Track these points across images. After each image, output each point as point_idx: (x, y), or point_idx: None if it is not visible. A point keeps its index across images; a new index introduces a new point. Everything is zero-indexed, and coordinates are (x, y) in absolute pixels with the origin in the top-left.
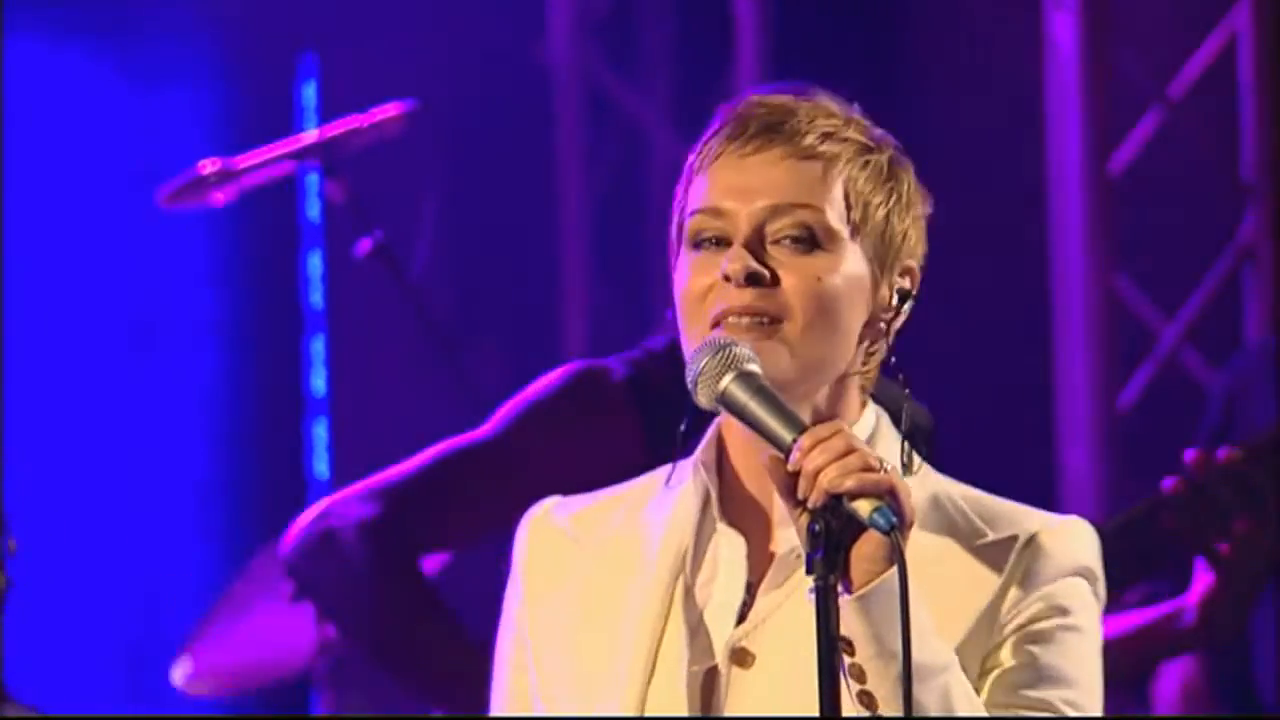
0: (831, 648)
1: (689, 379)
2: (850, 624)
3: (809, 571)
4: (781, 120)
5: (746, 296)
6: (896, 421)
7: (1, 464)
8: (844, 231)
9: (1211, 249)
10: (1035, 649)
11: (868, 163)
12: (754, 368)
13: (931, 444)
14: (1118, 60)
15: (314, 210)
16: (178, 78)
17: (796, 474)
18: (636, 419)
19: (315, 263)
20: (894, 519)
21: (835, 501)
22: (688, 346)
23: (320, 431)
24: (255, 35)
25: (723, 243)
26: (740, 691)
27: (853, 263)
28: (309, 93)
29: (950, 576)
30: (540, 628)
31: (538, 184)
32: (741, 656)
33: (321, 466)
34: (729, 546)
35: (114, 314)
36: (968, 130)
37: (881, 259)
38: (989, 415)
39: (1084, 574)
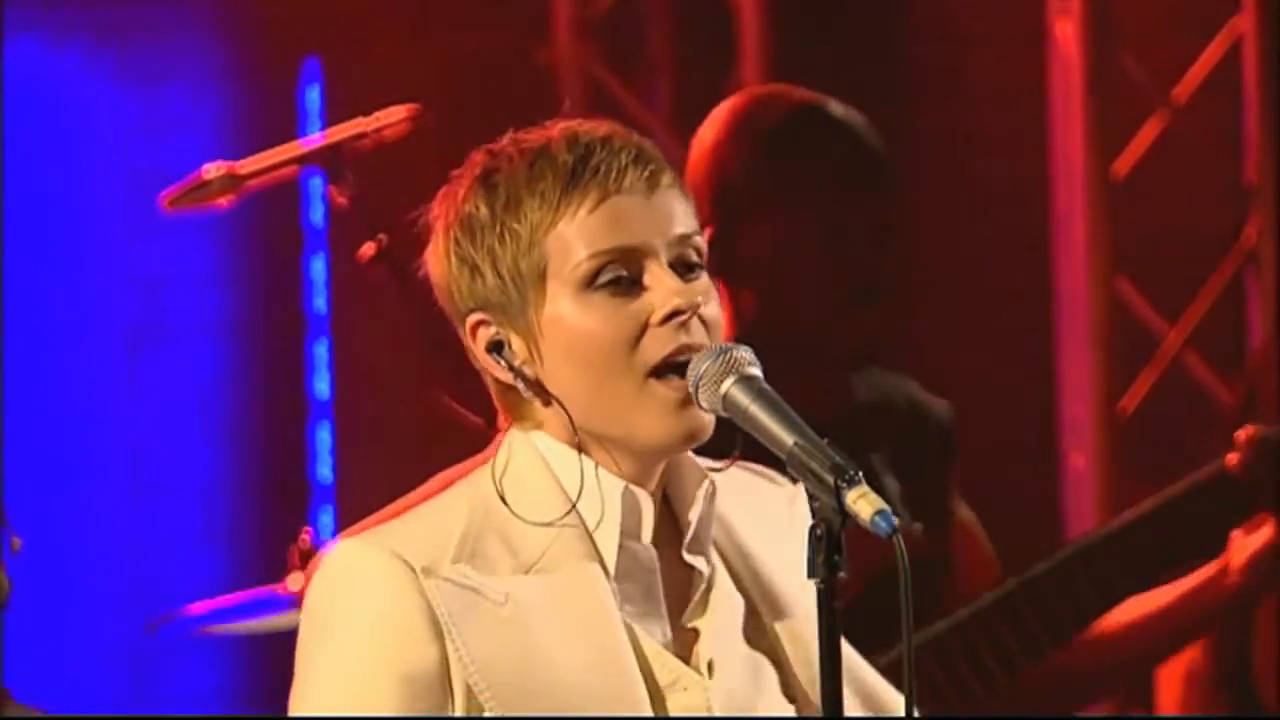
0: (833, 649)
1: (690, 384)
2: None
3: (811, 575)
4: (643, 154)
5: (695, 332)
6: (898, 416)
7: (2, 466)
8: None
9: (1215, 253)
10: None
11: (685, 187)
12: (755, 371)
13: (953, 438)
14: (1121, 64)
15: (317, 214)
16: (181, 81)
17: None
18: None
19: (319, 267)
20: (895, 520)
21: (838, 504)
22: (587, 396)
23: (323, 435)
24: (258, 39)
25: (627, 283)
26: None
27: None
28: (312, 96)
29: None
30: (490, 681)
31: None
32: (711, 667)
33: (325, 470)
34: (651, 567)
35: (117, 317)
36: (971, 133)
37: None
38: (992, 418)
39: None
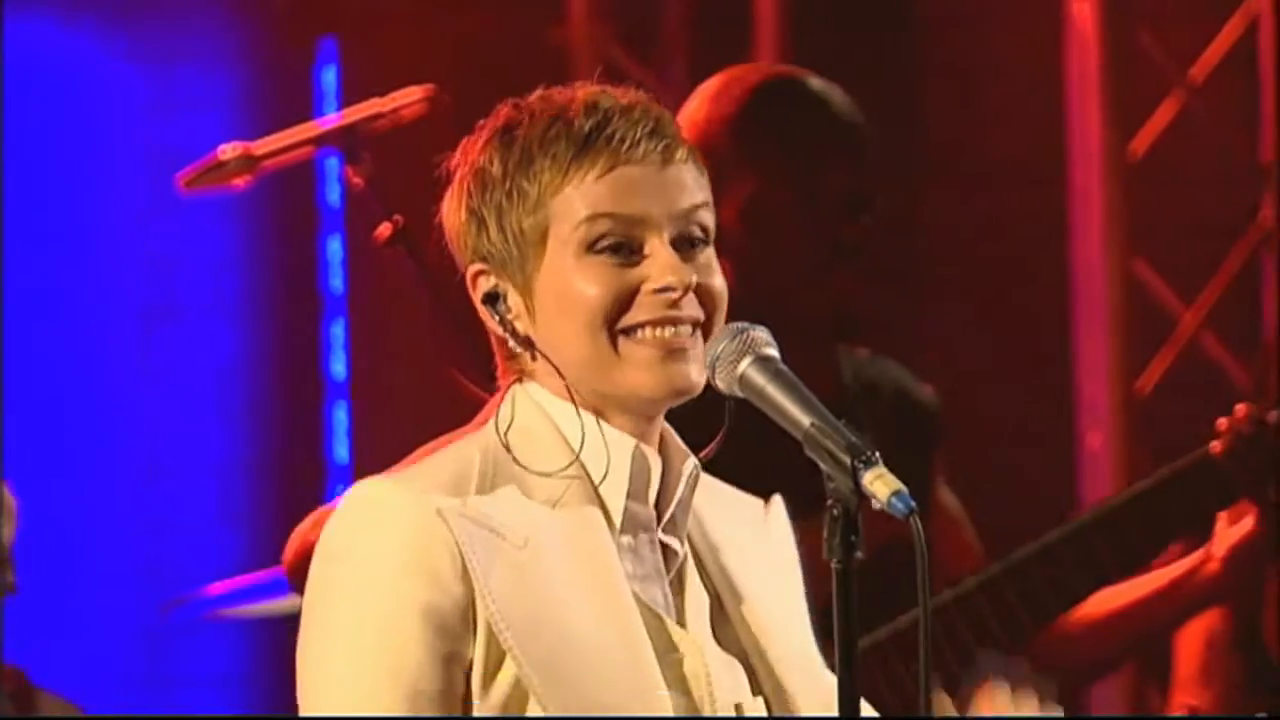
0: (850, 630)
1: (707, 364)
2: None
3: (828, 556)
4: (660, 127)
5: (686, 306)
6: (884, 399)
7: (11, 444)
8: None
9: (1231, 233)
10: None
11: (700, 161)
12: (772, 351)
13: (938, 424)
14: (1138, 44)
15: (334, 195)
16: (197, 61)
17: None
18: None
19: (335, 247)
20: (912, 502)
21: (854, 486)
22: (575, 352)
23: (340, 415)
24: (274, 19)
25: (624, 249)
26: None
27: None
28: (329, 77)
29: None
30: (510, 621)
31: None
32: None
33: (341, 450)
34: (650, 529)
35: (134, 298)
36: (988, 113)
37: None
38: (1010, 399)
39: None
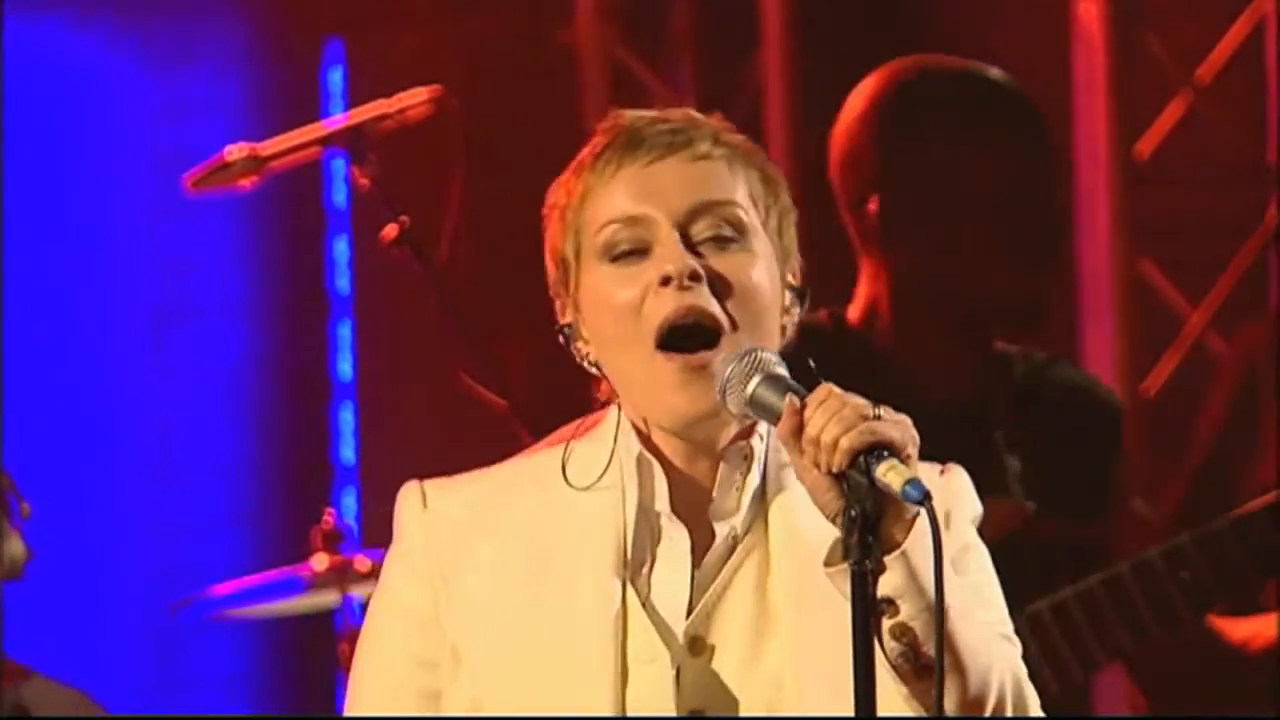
0: (867, 632)
1: (716, 388)
2: (895, 582)
3: (845, 557)
4: (673, 130)
5: (688, 298)
6: (1046, 401)
7: (17, 445)
8: (756, 226)
9: (1238, 234)
10: (962, 578)
11: (753, 164)
12: (781, 370)
13: (1118, 427)
14: (1145, 45)
15: (340, 196)
16: (204, 63)
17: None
18: None
19: (341, 248)
20: (925, 489)
21: (868, 480)
22: (624, 371)
23: (347, 416)
24: (281, 21)
25: (639, 253)
26: (696, 679)
27: (765, 258)
28: (335, 78)
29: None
30: (463, 623)
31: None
32: (698, 646)
33: (348, 451)
34: (671, 538)
35: (141, 299)
36: None
37: (778, 257)
38: None
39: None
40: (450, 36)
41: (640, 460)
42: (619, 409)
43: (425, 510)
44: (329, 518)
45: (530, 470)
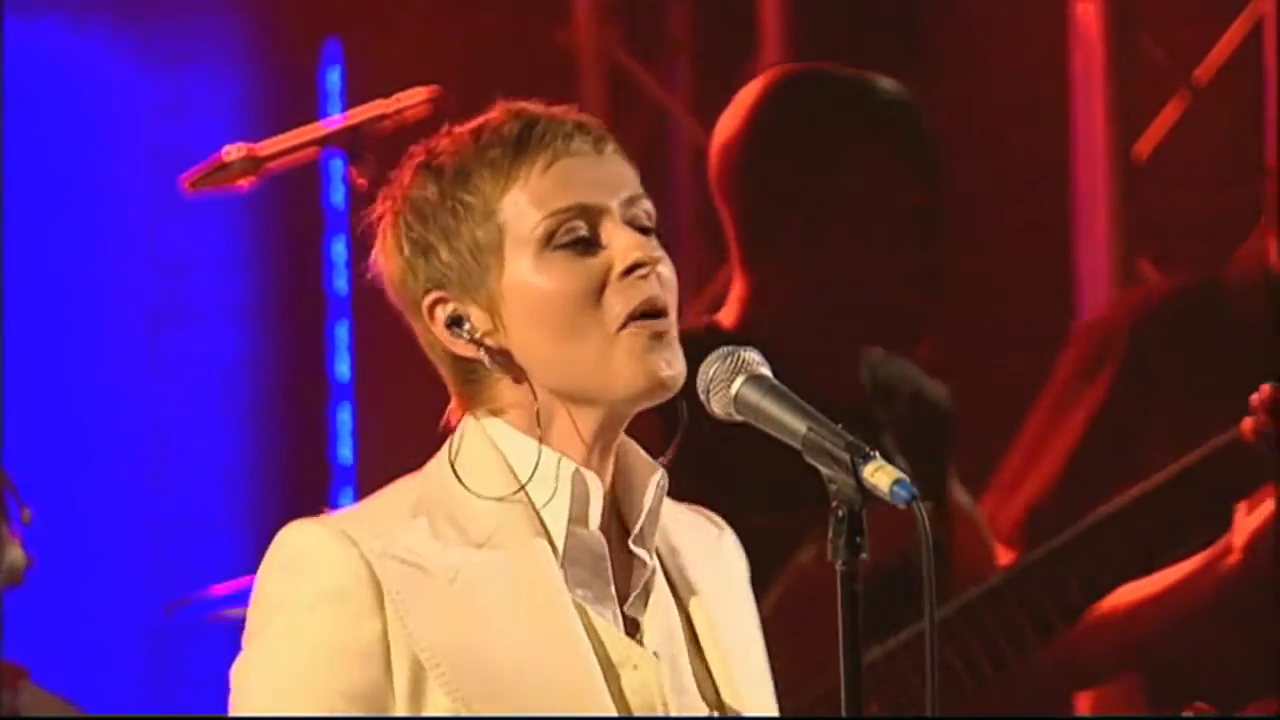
0: (855, 632)
1: (700, 389)
2: None
3: (833, 556)
4: (585, 122)
5: (652, 287)
6: (901, 399)
7: (17, 445)
8: None
9: (1236, 234)
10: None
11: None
12: (765, 371)
13: (953, 424)
14: (1143, 46)
15: (338, 196)
16: (201, 63)
17: None
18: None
19: (339, 248)
20: (914, 489)
21: (855, 480)
22: (568, 359)
23: (344, 416)
24: (279, 20)
25: (586, 242)
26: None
27: None
28: (333, 78)
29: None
30: (441, 656)
31: None
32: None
33: (345, 451)
34: (600, 552)
35: (138, 299)
36: (992, 115)
37: None
38: (1014, 400)
39: None
40: (449, 37)
41: (575, 475)
42: (471, 424)
43: (355, 548)
44: None
45: (423, 493)
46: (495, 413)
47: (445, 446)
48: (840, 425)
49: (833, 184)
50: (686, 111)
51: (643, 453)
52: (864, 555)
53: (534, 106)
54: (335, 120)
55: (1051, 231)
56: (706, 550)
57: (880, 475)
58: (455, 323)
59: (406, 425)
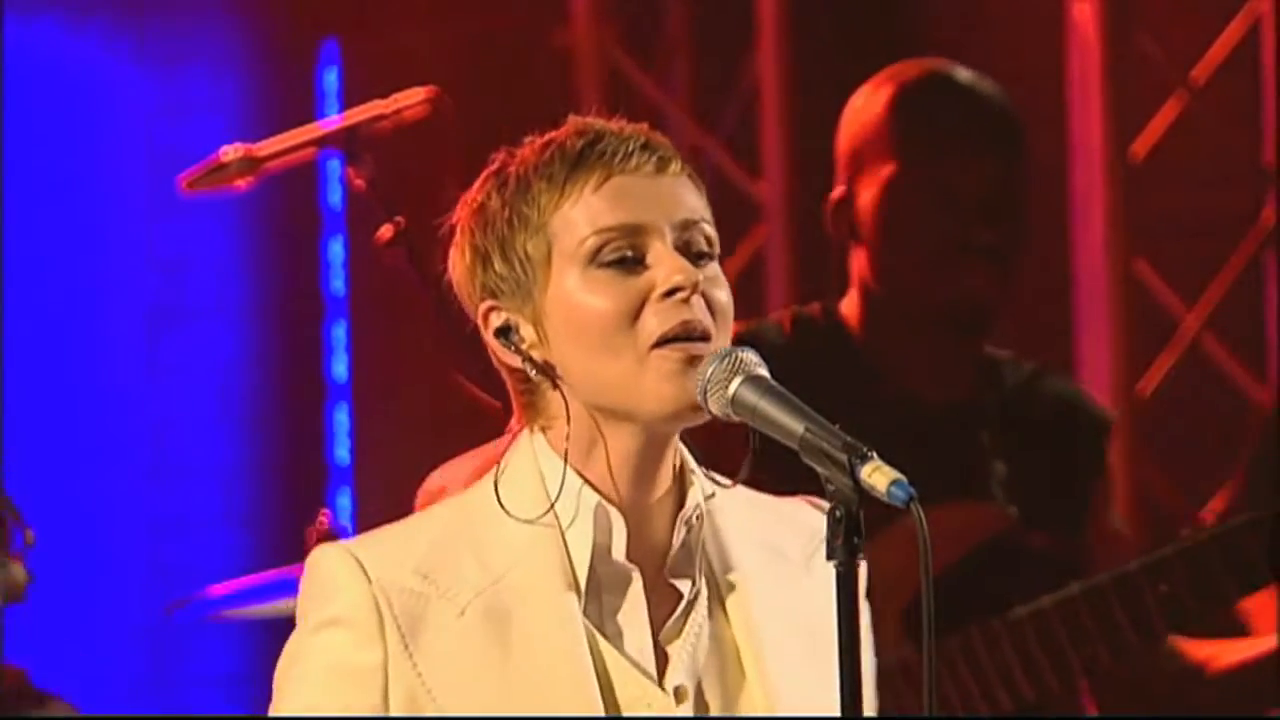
0: (853, 634)
1: (698, 389)
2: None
3: (830, 557)
4: (648, 145)
5: (691, 311)
6: (1034, 410)
7: (18, 447)
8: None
9: (1233, 234)
10: None
11: (703, 191)
12: (763, 372)
13: (1102, 445)
14: (1140, 46)
15: (335, 196)
16: (199, 63)
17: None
18: None
19: (337, 249)
20: (912, 490)
21: (852, 481)
22: (601, 376)
23: (342, 417)
24: (277, 21)
25: (631, 262)
26: None
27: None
28: (330, 79)
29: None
30: (439, 686)
31: None
32: (680, 694)
33: (343, 452)
34: (630, 584)
35: (136, 299)
36: None
37: None
38: None
39: None
40: (446, 37)
41: (598, 508)
42: (525, 440)
43: (365, 577)
44: (324, 518)
45: (463, 516)
46: (544, 428)
47: (495, 467)
48: (838, 426)
49: (943, 180)
50: (684, 113)
51: (703, 478)
52: (861, 557)
53: (602, 123)
54: (333, 121)
55: (1048, 232)
56: (783, 570)
57: (877, 475)
58: (504, 333)
59: (403, 425)
